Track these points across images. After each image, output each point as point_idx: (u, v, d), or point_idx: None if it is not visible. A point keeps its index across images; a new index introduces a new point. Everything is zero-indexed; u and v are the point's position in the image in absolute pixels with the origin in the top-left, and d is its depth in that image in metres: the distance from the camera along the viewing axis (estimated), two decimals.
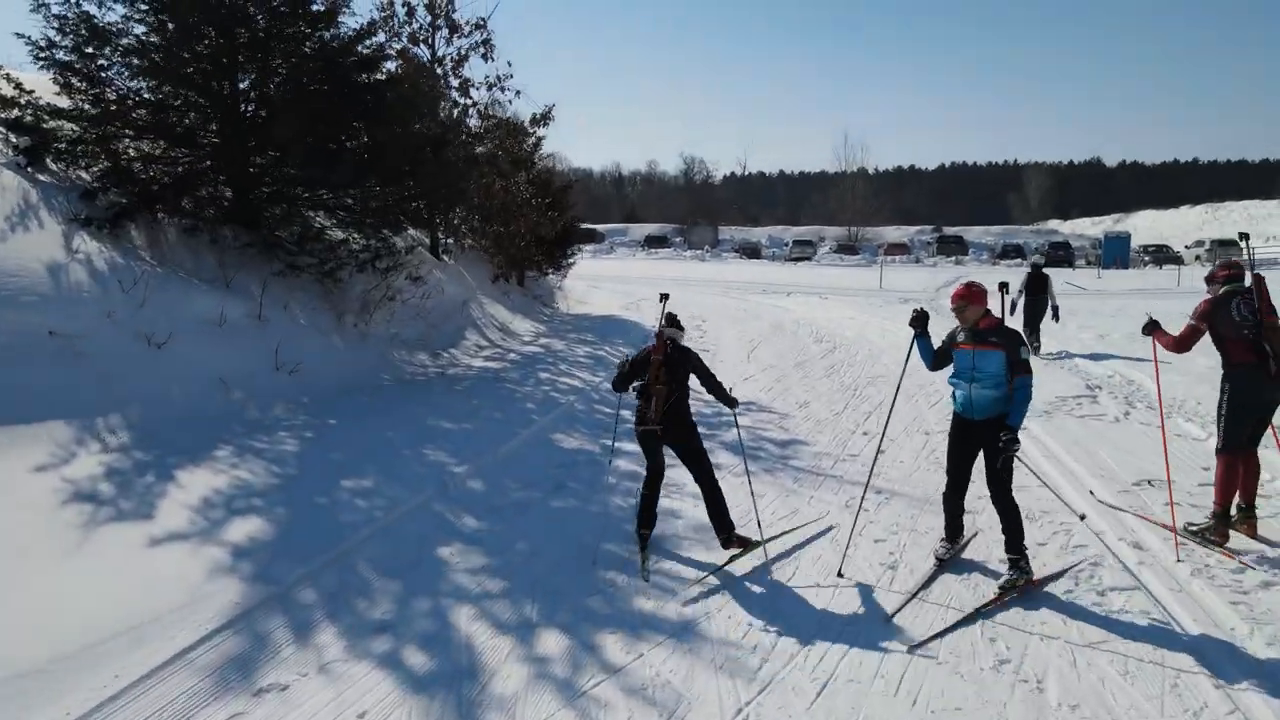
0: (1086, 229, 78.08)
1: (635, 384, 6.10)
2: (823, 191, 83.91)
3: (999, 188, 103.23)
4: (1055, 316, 13.96)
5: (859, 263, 49.39)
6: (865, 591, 5.21)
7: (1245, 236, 6.50)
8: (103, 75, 9.78)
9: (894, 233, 65.02)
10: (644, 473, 6.07)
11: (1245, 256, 6.26)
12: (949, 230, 63.71)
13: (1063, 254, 51.57)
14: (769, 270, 40.40)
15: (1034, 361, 9.02)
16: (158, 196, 9.69)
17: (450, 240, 15.37)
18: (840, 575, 5.40)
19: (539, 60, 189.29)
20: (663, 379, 5.96)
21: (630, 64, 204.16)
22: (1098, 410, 9.86)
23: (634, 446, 6.49)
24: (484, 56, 14.47)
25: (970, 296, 5.35)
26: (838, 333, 16.47)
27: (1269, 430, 5.89)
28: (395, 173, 11.14)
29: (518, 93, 14.98)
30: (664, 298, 6.55)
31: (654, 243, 60.70)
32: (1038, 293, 13.84)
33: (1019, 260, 49.20)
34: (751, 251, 56.06)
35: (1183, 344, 5.88)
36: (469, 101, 14.55)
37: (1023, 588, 5.14)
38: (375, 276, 11.58)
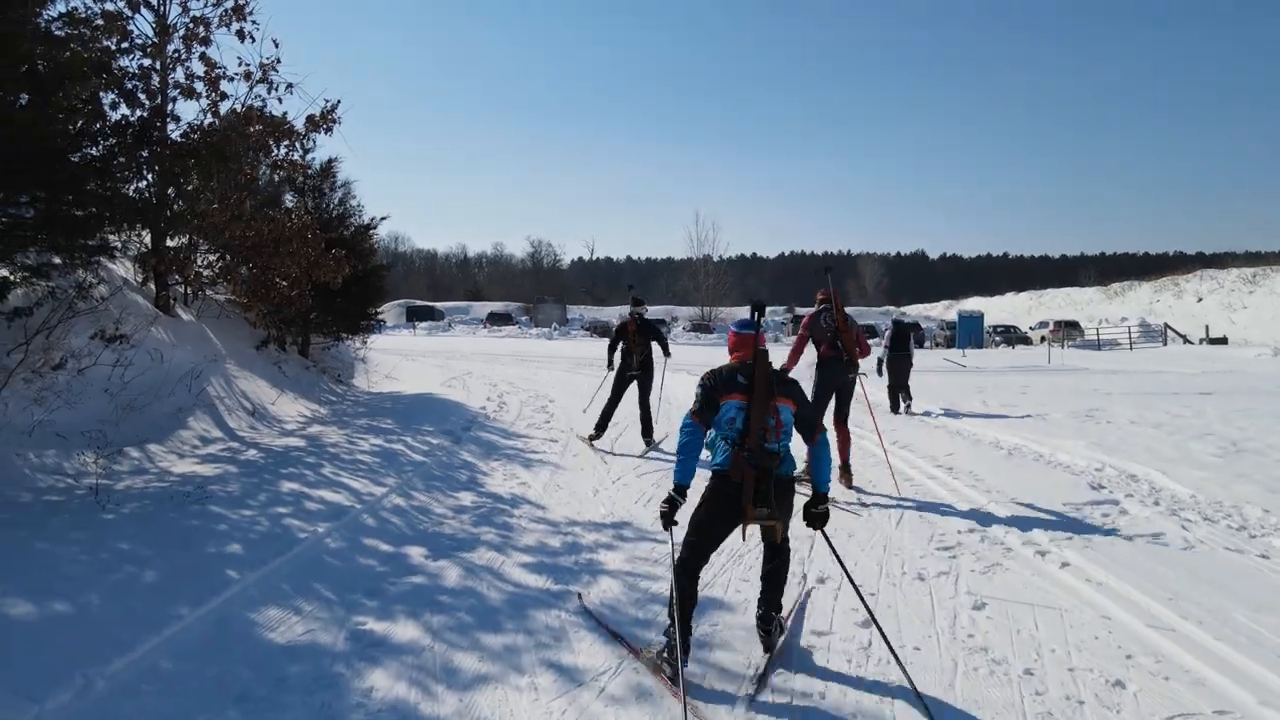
0: (920, 312, 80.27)
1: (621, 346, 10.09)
2: (672, 276, 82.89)
3: (836, 275, 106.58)
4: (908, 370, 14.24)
5: (715, 341, 46.96)
6: None
7: (829, 270, 8.64)
8: None
9: (747, 312, 63.68)
10: None
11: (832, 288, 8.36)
12: (801, 310, 62.98)
13: (914, 334, 51.28)
14: None
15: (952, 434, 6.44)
16: None
17: (181, 286, 10.77)
18: None
19: (381, 138, 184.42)
20: (638, 341, 10.08)
21: (477, 146, 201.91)
22: (1140, 526, 6.57)
23: None
24: (239, 34, 10.38)
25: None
26: None
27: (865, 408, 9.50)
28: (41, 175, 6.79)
29: (289, 86, 10.89)
30: (632, 291, 11.03)
31: (497, 320, 56.45)
32: (902, 349, 14.11)
33: (877, 340, 48.12)
34: (602, 330, 52.78)
35: (798, 349, 8.20)
36: (216, 95, 10.32)
37: None
38: (13, 330, 7.13)
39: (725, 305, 65.24)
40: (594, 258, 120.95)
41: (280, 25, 20.28)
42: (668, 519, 4.00)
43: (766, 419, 4.05)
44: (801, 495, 4.42)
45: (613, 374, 10.15)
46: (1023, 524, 6.62)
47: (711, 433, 4.17)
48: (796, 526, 4.48)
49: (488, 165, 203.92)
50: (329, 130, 10.76)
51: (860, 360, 8.05)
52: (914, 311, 79.05)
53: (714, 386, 4.14)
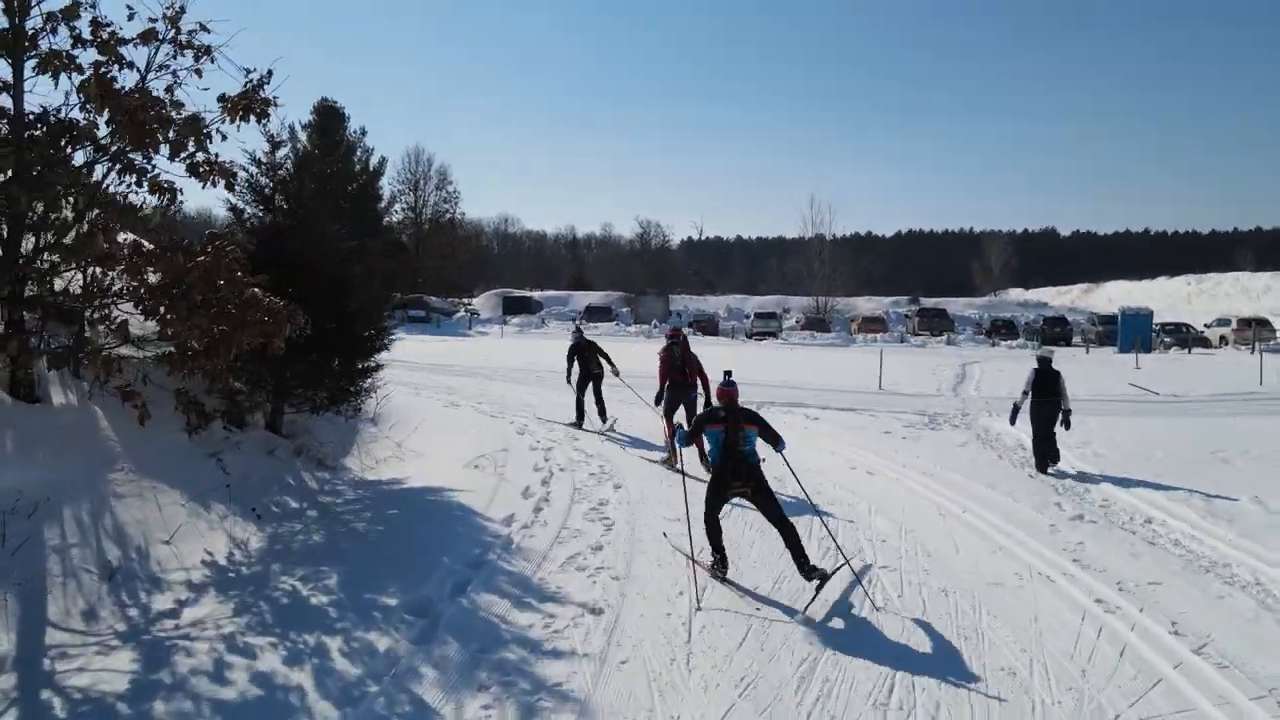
0: (1053, 299, 72.39)
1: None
2: (782, 257, 77.67)
3: (957, 255, 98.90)
4: (1066, 423, 11.65)
5: (833, 341, 42.08)
6: None
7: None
8: None
9: (866, 304, 58.06)
10: None
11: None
12: (928, 301, 57.02)
13: (1059, 330, 45.26)
14: (727, 354, 32.75)
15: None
16: None
17: (49, 356, 7.11)
18: None
19: (488, 121, 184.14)
20: (594, 357, 13.64)
21: (587, 123, 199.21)
22: None
23: None
24: None
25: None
26: (855, 517, 8.78)
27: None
28: None
29: (208, 51, 7.19)
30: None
31: (595, 315, 52.77)
32: (1047, 394, 11.59)
33: (1021, 341, 42.03)
34: (708, 326, 48.50)
35: (663, 374, 11.26)
36: (109, 61, 6.74)
37: None
38: None
39: (841, 294, 59.57)
40: (702, 238, 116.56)
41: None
42: (684, 440, 7.36)
43: (738, 435, 6.83)
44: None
45: (575, 378, 13.88)
46: None
47: (709, 444, 7.19)
48: None
49: (597, 143, 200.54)
50: (262, 116, 7.09)
51: (697, 384, 11.28)
52: (1052, 300, 71.23)
53: (704, 419, 7.34)
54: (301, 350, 8.59)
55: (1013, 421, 12.36)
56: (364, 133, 56.65)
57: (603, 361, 13.67)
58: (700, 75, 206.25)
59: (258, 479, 8.37)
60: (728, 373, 7.48)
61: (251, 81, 7.02)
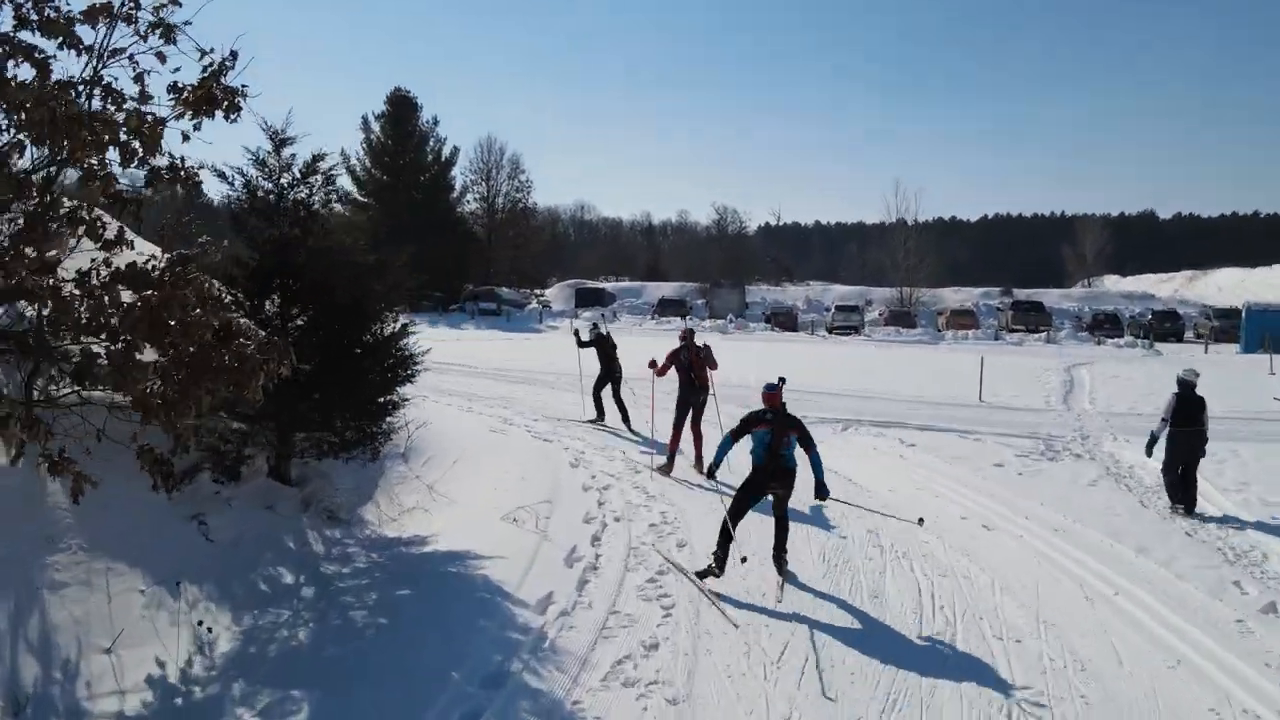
0: (1153, 287, 67.53)
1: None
2: (862, 243, 74.61)
3: (1047, 241, 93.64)
4: (1200, 453, 10.11)
5: (920, 338, 39.50)
6: None
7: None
8: None
9: (954, 295, 54.77)
10: None
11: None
12: (1021, 294, 53.50)
13: (1170, 326, 41.82)
14: (807, 354, 30.74)
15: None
16: None
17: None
18: None
19: (566, 107, 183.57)
20: (613, 349, 13.86)
21: (664, 108, 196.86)
22: None
23: None
24: None
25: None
26: (976, 599, 6.99)
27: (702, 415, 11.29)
28: None
29: (170, 31, 5.77)
30: (597, 327, 15.53)
31: (668, 308, 50.96)
32: (1190, 423, 9.96)
33: (1129, 339, 38.50)
34: (786, 321, 46.22)
35: (664, 369, 11.68)
36: (60, 41, 5.43)
37: None
38: None
39: (928, 285, 56.34)
40: (780, 223, 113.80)
41: None
42: (711, 474, 7.72)
43: (782, 439, 7.30)
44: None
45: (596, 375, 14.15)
46: None
47: (751, 443, 7.43)
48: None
49: (674, 128, 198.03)
50: (231, 109, 5.67)
51: (709, 379, 11.40)
52: (1153, 289, 66.47)
53: (750, 420, 7.47)
54: (304, 389, 7.23)
55: (1149, 453, 10.64)
56: (436, 122, 56.03)
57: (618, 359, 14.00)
58: (778, 56, 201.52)
59: (250, 542, 7.02)
60: (781, 379, 7.88)
61: (211, 66, 5.59)
